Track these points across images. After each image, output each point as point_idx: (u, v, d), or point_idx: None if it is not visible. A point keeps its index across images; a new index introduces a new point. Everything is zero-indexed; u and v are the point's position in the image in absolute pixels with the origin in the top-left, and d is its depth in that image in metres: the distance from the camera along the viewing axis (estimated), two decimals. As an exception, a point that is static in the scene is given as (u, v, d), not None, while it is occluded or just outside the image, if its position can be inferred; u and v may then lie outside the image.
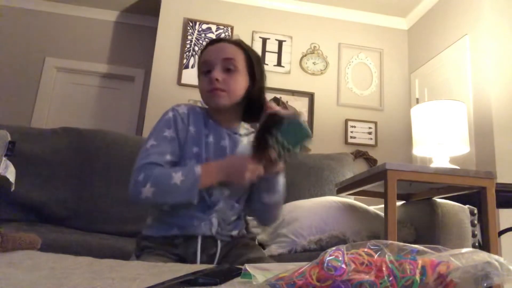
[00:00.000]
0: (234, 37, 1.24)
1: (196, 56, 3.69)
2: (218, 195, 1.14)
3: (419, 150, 2.24)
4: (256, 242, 1.28)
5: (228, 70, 1.15)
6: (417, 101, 3.75)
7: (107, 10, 4.43)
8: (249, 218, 1.35)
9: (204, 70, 1.17)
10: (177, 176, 1.03)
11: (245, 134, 1.24)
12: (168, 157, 1.10)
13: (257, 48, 3.79)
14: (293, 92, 3.77)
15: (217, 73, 1.13)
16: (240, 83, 1.16)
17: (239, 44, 1.21)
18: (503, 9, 3.02)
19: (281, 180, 1.18)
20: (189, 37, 3.74)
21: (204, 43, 3.65)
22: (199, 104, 1.28)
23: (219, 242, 1.12)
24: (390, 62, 4.05)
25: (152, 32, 3.97)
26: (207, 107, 1.22)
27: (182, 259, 1.09)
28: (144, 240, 1.13)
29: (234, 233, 1.16)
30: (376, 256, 0.47)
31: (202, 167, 1.06)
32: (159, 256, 1.05)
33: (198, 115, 1.19)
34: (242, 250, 1.13)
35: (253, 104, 1.21)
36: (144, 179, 1.03)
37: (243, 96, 1.18)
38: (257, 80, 1.21)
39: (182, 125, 1.15)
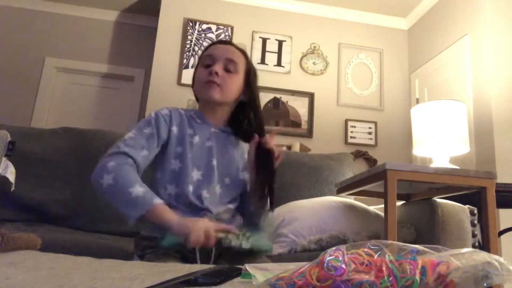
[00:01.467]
0: (241, 45, 1.30)
1: (196, 56, 3.69)
2: (208, 199, 1.15)
3: (419, 150, 2.24)
4: None
5: (228, 70, 1.20)
6: (417, 101, 3.75)
7: (107, 10, 4.43)
8: None
9: (206, 63, 1.22)
10: (138, 190, 1.02)
11: (233, 133, 1.26)
12: (144, 152, 1.11)
13: (257, 48, 3.79)
14: (293, 92, 3.77)
15: (218, 68, 1.18)
16: (235, 84, 1.21)
17: (244, 53, 1.27)
18: (503, 9, 3.02)
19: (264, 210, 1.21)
20: (189, 37, 3.74)
21: (205, 44, 3.68)
22: (197, 107, 1.31)
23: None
24: (390, 62, 4.05)
25: (152, 32, 3.97)
26: (193, 109, 1.27)
27: (183, 257, 1.09)
28: (144, 240, 1.13)
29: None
30: (376, 256, 0.47)
31: (162, 207, 1.03)
32: (164, 255, 1.06)
33: (181, 116, 1.22)
34: (235, 250, 1.12)
35: (241, 111, 1.25)
36: (112, 168, 1.04)
37: (234, 99, 1.23)
38: (251, 89, 1.25)
39: (164, 124, 1.17)
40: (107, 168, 1.04)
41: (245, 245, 1.05)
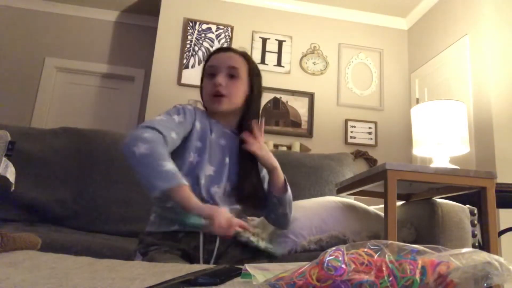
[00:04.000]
0: (241, 49, 1.34)
1: (196, 56, 3.69)
2: (218, 195, 1.17)
3: (419, 150, 2.24)
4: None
5: (232, 76, 1.25)
6: (417, 101, 3.75)
7: (107, 10, 4.43)
8: (248, 218, 1.36)
9: (209, 73, 1.27)
10: (170, 165, 1.03)
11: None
12: (174, 135, 1.13)
13: (257, 48, 3.79)
14: (293, 92, 3.77)
15: (221, 79, 1.24)
16: (240, 90, 1.26)
17: (245, 56, 1.32)
18: (503, 9, 3.02)
19: (289, 196, 1.29)
20: (189, 37, 3.74)
21: (205, 44, 3.68)
22: (199, 105, 1.35)
23: (218, 238, 1.12)
24: (390, 62, 4.05)
25: (152, 32, 3.97)
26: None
27: (186, 254, 1.10)
28: (148, 236, 1.15)
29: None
30: (376, 256, 0.47)
31: (189, 189, 1.05)
32: (167, 253, 1.07)
33: (202, 113, 1.28)
34: (238, 251, 1.13)
35: (249, 111, 1.29)
36: (148, 138, 1.04)
37: (242, 102, 1.28)
38: (255, 90, 1.31)
39: (190, 117, 1.22)
40: (143, 138, 1.04)
41: (262, 244, 1.08)
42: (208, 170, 1.19)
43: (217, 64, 1.26)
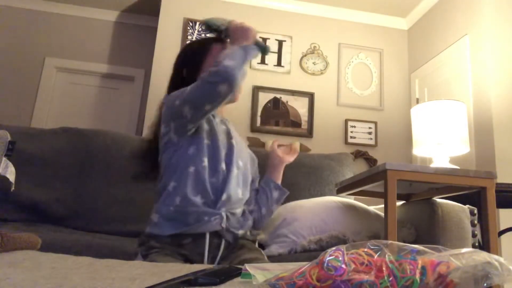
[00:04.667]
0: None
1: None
2: (231, 183, 1.18)
3: (419, 150, 2.24)
4: (257, 244, 1.29)
5: None
6: (417, 101, 3.75)
7: (107, 10, 4.43)
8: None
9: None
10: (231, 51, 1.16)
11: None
12: None
13: (257, 48, 3.79)
14: (293, 92, 3.77)
15: None
16: None
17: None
18: (503, 9, 3.02)
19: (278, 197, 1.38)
20: (189, 37, 3.74)
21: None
22: None
23: (223, 242, 1.12)
24: (390, 62, 4.05)
25: (152, 32, 3.97)
26: None
27: (188, 260, 1.10)
28: (151, 239, 1.13)
29: (241, 232, 1.17)
30: (376, 256, 0.47)
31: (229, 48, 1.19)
32: (168, 256, 1.06)
33: None
34: (240, 251, 1.14)
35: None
36: (216, 73, 1.10)
37: None
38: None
39: None
40: (213, 76, 1.10)
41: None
42: (223, 151, 1.22)
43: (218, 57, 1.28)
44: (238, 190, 1.20)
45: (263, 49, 1.24)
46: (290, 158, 1.40)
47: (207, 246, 1.10)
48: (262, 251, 1.25)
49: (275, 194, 1.35)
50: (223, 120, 1.33)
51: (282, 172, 1.39)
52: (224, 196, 1.14)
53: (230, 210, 1.16)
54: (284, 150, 1.40)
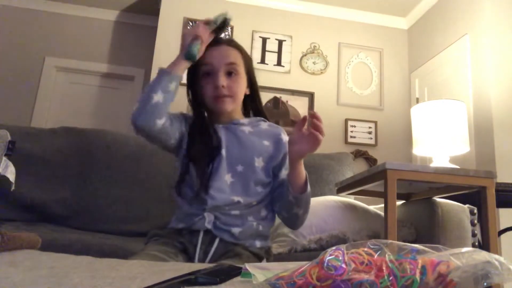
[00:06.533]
0: (228, 37, 1.33)
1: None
2: (216, 189, 1.14)
3: (419, 149, 2.24)
4: (264, 261, 1.21)
5: (230, 73, 1.21)
6: (417, 100, 3.75)
7: (107, 10, 4.43)
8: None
9: (206, 72, 1.23)
10: (151, 84, 1.20)
11: (247, 123, 1.26)
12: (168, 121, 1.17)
13: (257, 47, 3.79)
14: (293, 92, 3.77)
15: (222, 80, 1.19)
16: (242, 86, 1.24)
17: (237, 46, 1.28)
18: (503, 9, 3.02)
19: (307, 195, 1.15)
20: (189, 37, 3.74)
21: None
22: None
23: (217, 239, 1.12)
24: (390, 61, 4.05)
25: (152, 32, 3.97)
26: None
27: (185, 249, 1.13)
28: (157, 229, 1.19)
29: (236, 230, 1.14)
30: (376, 255, 0.47)
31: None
32: (164, 245, 1.10)
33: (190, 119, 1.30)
34: (231, 259, 1.08)
35: (250, 100, 1.30)
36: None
37: (243, 97, 1.26)
38: (253, 79, 1.29)
39: (177, 123, 1.22)
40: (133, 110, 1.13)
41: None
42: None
43: (214, 62, 1.20)
44: (233, 196, 1.15)
45: (189, 56, 1.18)
46: (304, 146, 1.06)
47: (200, 241, 1.12)
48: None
49: (290, 197, 1.14)
50: (229, 125, 1.23)
51: (299, 169, 1.11)
52: (209, 204, 1.13)
53: (221, 211, 1.14)
54: (297, 135, 1.08)
